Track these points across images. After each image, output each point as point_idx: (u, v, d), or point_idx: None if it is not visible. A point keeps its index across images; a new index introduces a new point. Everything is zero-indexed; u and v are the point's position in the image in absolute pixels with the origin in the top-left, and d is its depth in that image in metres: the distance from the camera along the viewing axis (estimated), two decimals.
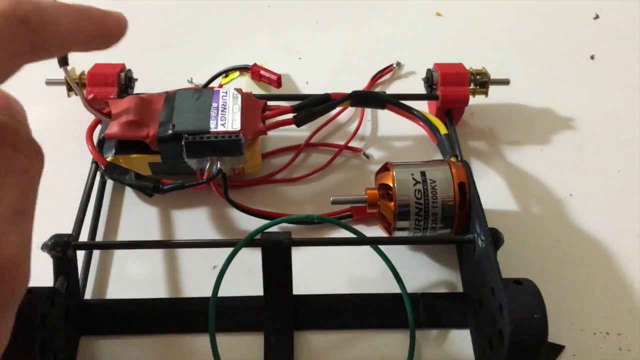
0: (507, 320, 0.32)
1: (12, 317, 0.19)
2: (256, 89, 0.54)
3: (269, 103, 0.47)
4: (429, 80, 0.50)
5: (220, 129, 0.42)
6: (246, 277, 0.41)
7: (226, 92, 0.45)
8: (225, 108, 0.44)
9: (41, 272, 0.30)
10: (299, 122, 0.45)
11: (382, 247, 0.40)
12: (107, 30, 0.23)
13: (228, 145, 0.42)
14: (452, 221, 0.40)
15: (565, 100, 0.54)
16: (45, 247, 0.36)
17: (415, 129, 0.49)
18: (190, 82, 0.54)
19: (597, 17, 0.62)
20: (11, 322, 0.19)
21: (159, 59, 0.57)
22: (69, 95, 0.49)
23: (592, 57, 0.58)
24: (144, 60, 0.54)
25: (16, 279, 0.18)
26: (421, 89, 0.52)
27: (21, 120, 0.21)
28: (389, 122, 0.51)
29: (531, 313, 0.33)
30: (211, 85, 0.52)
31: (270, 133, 0.46)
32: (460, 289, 0.42)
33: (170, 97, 0.45)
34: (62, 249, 0.36)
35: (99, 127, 0.46)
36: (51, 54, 0.21)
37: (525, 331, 0.32)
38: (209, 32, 0.60)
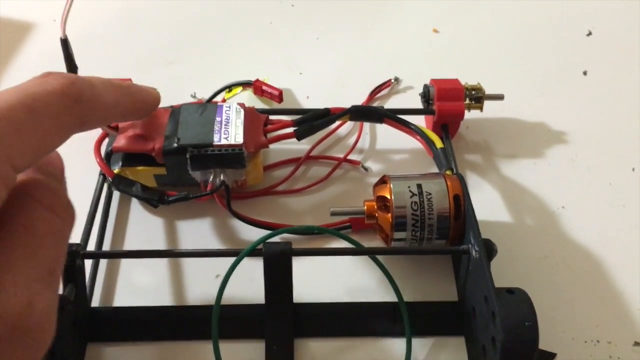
0: (499, 327, 0.34)
1: None
2: (258, 104, 0.55)
3: (271, 117, 0.49)
4: (425, 95, 0.52)
5: (224, 142, 0.43)
6: (248, 286, 0.43)
7: (229, 107, 0.46)
8: (228, 122, 0.45)
9: None
10: (299, 135, 0.47)
11: (379, 257, 0.41)
12: (143, 104, 0.25)
13: (231, 158, 0.43)
14: (447, 232, 0.41)
15: (558, 114, 0.55)
16: None
17: (412, 143, 0.51)
18: (194, 96, 0.55)
19: (590, 33, 0.64)
20: None
21: (164, 74, 0.59)
22: None
23: (584, 73, 0.60)
24: (150, 76, 0.56)
25: (45, 337, 0.19)
26: (418, 104, 0.53)
27: (59, 178, 0.22)
28: (386, 135, 0.53)
29: (522, 321, 0.34)
30: (215, 99, 0.54)
31: (272, 146, 0.47)
32: (455, 298, 0.43)
33: (175, 112, 0.46)
34: (70, 257, 0.38)
35: (107, 140, 0.48)
36: (96, 126, 0.23)
37: (517, 338, 0.34)
38: (212, 49, 0.62)
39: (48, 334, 0.19)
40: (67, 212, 0.21)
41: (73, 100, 0.21)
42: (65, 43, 0.44)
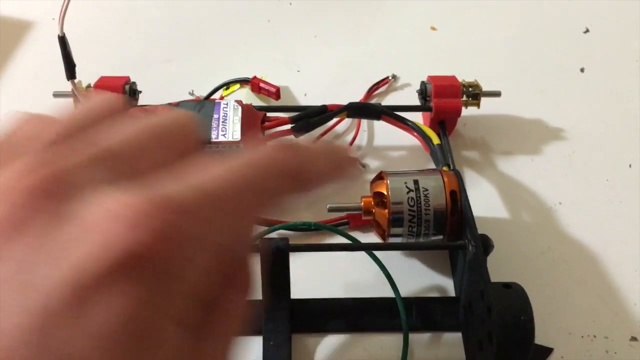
0: (495, 322, 0.34)
1: None
2: (256, 101, 0.55)
3: (268, 114, 0.49)
4: (423, 92, 0.52)
5: (221, 139, 0.44)
6: None
7: (227, 104, 0.47)
8: (226, 119, 0.45)
9: None
10: (297, 132, 0.47)
11: (376, 253, 0.42)
12: (346, 170, 0.23)
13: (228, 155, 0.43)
14: (444, 228, 0.41)
15: (555, 111, 0.55)
16: None
17: (410, 140, 0.51)
18: (192, 94, 0.55)
19: (587, 31, 0.64)
20: None
21: (162, 72, 0.59)
22: (75, 107, 0.50)
23: (582, 70, 0.60)
24: (148, 74, 0.56)
25: None
26: (416, 101, 0.53)
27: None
28: (384, 132, 0.53)
29: (518, 315, 0.34)
30: (212, 97, 0.54)
31: (270, 144, 0.47)
32: (452, 294, 0.43)
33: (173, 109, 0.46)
34: None
35: None
36: (301, 197, 0.21)
37: (513, 332, 0.34)
38: (210, 47, 0.62)
39: None
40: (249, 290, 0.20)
41: (290, 178, 0.20)
42: (62, 41, 0.44)
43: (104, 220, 0.16)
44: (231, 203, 0.18)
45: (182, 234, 0.16)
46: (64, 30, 0.44)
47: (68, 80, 0.43)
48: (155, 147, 0.19)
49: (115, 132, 0.19)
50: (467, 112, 0.51)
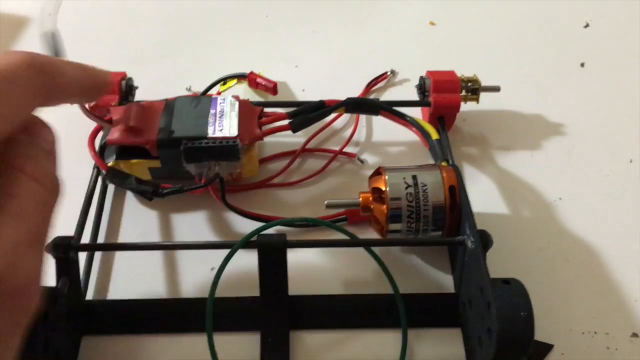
0: (494, 318, 0.33)
1: (21, 335, 0.20)
2: (253, 97, 0.55)
3: (266, 110, 0.49)
4: (421, 87, 0.51)
5: (218, 134, 0.43)
6: (243, 279, 0.42)
7: (224, 99, 0.46)
8: (222, 114, 0.45)
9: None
10: (294, 128, 0.46)
11: (375, 249, 0.41)
12: (99, 83, 0.26)
13: (225, 150, 0.43)
14: (443, 223, 0.41)
15: (555, 106, 0.55)
16: (47, 248, 0.38)
17: (408, 135, 0.50)
18: (189, 90, 0.55)
19: (587, 25, 0.63)
20: (20, 339, 0.20)
21: (159, 68, 0.58)
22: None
23: (582, 65, 0.59)
24: (144, 70, 0.56)
25: (30, 300, 0.19)
26: (414, 97, 0.53)
27: (47, 150, 0.23)
28: (382, 128, 0.52)
29: (518, 311, 0.34)
30: (209, 92, 0.54)
31: (267, 139, 0.47)
32: (451, 290, 0.43)
33: (169, 104, 0.46)
34: (63, 250, 0.38)
35: (101, 133, 0.47)
36: (57, 102, 0.23)
37: (512, 328, 0.33)
38: (207, 43, 0.62)
39: (33, 298, 0.20)
40: (52, 184, 0.22)
41: (37, 70, 0.21)
42: (53, 37, 0.44)
43: None
44: None
45: None
46: (58, 26, 0.43)
47: None
48: None
49: None
50: (466, 107, 0.51)
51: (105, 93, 0.26)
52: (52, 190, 0.21)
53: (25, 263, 0.19)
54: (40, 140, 0.23)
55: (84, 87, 0.25)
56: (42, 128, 0.23)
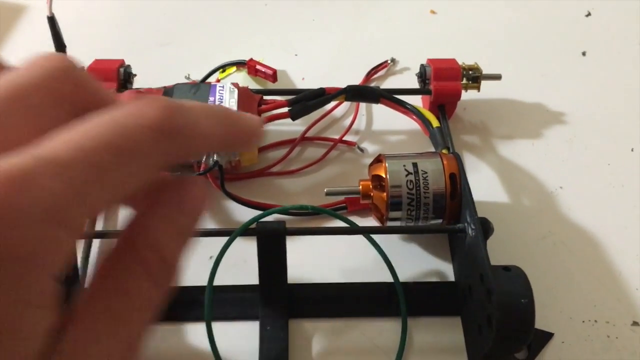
0: (494, 305, 0.33)
1: None
2: (252, 84, 0.54)
3: (265, 97, 0.48)
4: (422, 75, 0.51)
5: None
6: (242, 267, 0.42)
7: (223, 87, 0.46)
8: (222, 102, 0.44)
9: None
10: (294, 115, 0.46)
11: (375, 237, 0.41)
12: (244, 136, 0.21)
13: None
14: (443, 211, 0.41)
15: (556, 95, 0.55)
16: None
17: (409, 123, 0.50)
18: (188, 78, 0.55)
19: (589, 14, 0.63)
20: None
21: (158, 55, 0.58)
22: None
23: (583, 54, 0.59)
24: (143, 57, 0.55)
25: None
26: (415, 85, 0.53)
27: (186, 230, 0.19)
28: (383, 116, 0.52)
29: (518, 298, 0.34)
30: (208, 80, 0.53)
31: (267, 127, 0.47)
32: (452, 278, 0.42)
33: (168, 92, 0.46)
34: None
35: None
36: (187, 160, 0.20)
37: (513, 315, 0.33)
38: (207, 30, 0.61)
39: None
40: (168, 280, 0.18)
41: (166, 137, 0.17)
42: (52, 21, 0.44)
43: None
44: (88, 170, 0.16)
45: (11, 208, 0.14)
46: (55, 11, 0.43)
47: None
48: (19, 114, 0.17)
49: None
50: (467, 96, 0.50)
51: (257, 144, 0.22)
52: (164, 288, 0.18)
53: None
54: (189, 209, 0.19)
55: (224, 143, 0.20)
56: (186, 192, 0.19)
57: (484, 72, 0.50)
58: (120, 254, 0.17)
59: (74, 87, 0.19)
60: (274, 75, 0.53)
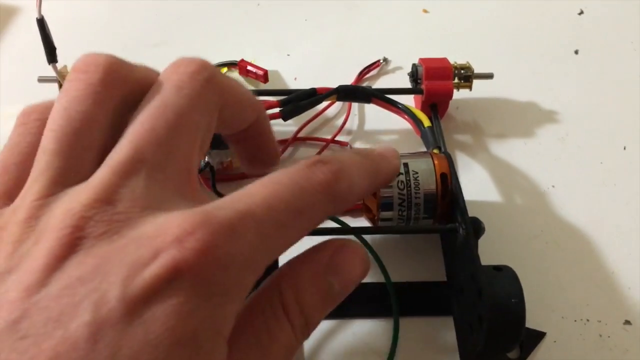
0: (485, 304, 0.33)
1: None
2: (244, 85, 0.54)
3: (257, 98, 0.48)
4: (414, 75, 0.51)
5: None
6: None
7: None
8: None
9: None
10: (285, 116, 0.46)
11: (366, 237, 0.41)
12: (388, 180, 0.24)
13: (215, 138, 0.42)
14: (434, 211, 0.41)
15: (549, 94, 0.55)
16: None
17: (401, 123, 0.50)
18: None
19: (581, 12, 0.63)
20: None
21: (150, 56, 0.57)
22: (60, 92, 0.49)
23: (576, 52, 0.59)
24: (135, 58, 0.54)
25: None
26: (407, 84, 0.52)
27: (345, 289, 0.22)
28: (375, 116, 0.52)
29: (509, 297, 0.34)
30: None
31: None
32: (443, 278, 0.42)
33: None
34: None
35: None
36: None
37: (503, 315, 0.33)
38: (198, 31, 0.61)
39: None
40: (303, 336, 0.20)
41: (332, 199, 0.20)
42: (41, 23, 0.43)
43: (155, 238, 0.17)
44: (273, 226, 0.18)
45: (223, 253, 0.17)
46: (47, 12, 0.43)
47: (49, 64, 0.42)
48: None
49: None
50: (459, 95, 0.50)
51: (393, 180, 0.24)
52: (300, 341, 0.20)
53: None
54: (330, 277, 0.21)
55: (371, 190, 0.23)
56: (345, 257, 0.22)
57: (476, 71, 0.50)
58: (267, 292, 0.20)
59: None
60: (264, 76, 0.53)
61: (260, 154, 0.26)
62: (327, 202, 0.20)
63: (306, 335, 0.20)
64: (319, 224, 0.20)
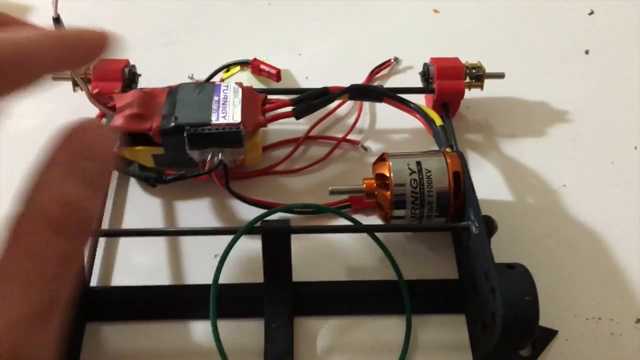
0: (499, 302, 0.33)
1: None
2: (256, 84, 0.55)
3: (269, 97, 0.48)
4: (425, 74, 0.51)
5: (222, 121, 0.43)
6: (247, 265, 0.42)
7: (227, 86, 0.46)
8: (226, 101, 0.45)
9: None
10: (297, 114, 0.46)
11: (379, 235, 0.41)
12: (80, 51, 0.21)
13: (229, 136, 0.43)
14: (447, 209, 0.41)
15: (559, 93, 0.55)
16: None
17: (412, 122, 0.50)
18: (191, 78, 0.55)
19: (592, 12, 0.63)
20: None
21: (162, 55, 0.58)
22: (74, 90, 0.50)
23: (586, 52, 0.59)
24: (148, 57, 0.55)
25: None
26: (418, 84, 0.53)
27: (88, 173, 0.17)
28: (386, 115, 0.52)
29: (522, 295, 0.34)
30: (212, 80, 0.53)
31: (271, 126, 0.47)
32: (455, 276, 0.43)
33: (172, 91, 0.46)
34: None
35: (104, 120, 0.47)
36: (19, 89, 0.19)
37: (517, 313, 0.33)
38: (211, 31, 0.61)
39: None
40: (83, 228, 0.17)
41: None
42: (57, 22, 0.44)
43: None
44: None
45: None
46: (61, 12, 0.43)
47: None
48: None
49: None
50: (470, 94, 0.50)
51: (100, 54, 0.21)
52: (76, 241, 0.17)
53: (28, 346, 0.15)
54: (80, 160, 0.17)
55: (60, 62, 0.19)
56: (87, 136, 0.18)
57: (487, 70, 0.50)
58: (25, 215, 0.16)
59: None
60: (277, 75, 0.53)
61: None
62: None
63: (83, 228, 0.17)
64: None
